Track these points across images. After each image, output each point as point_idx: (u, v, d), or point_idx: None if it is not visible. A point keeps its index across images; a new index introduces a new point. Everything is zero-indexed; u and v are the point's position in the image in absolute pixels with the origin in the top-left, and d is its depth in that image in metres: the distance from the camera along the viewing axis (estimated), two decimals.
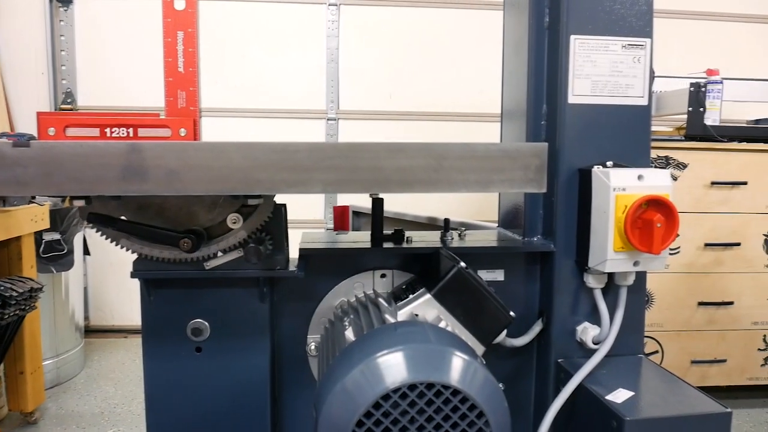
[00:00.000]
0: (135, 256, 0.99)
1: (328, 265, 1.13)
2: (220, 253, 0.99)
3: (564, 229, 1.10)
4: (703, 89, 2.24)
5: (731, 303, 2.24)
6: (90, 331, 3.17)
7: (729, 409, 0.90)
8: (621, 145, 1.09)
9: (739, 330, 2.27)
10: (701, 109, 2.24)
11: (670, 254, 2.18)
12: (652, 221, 0.96)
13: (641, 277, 1.10)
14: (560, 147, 1.08)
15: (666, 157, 2.14)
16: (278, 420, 1.15)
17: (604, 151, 1.08)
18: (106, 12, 3.08)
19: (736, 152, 2.17)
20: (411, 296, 0.98)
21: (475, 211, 3.28)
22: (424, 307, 0.96)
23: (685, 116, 2.27)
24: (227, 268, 1.01)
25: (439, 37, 3.22)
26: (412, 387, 0.74)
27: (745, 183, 2.17)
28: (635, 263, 1.01)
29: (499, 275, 1.16)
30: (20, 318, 1.88)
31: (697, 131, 2.23)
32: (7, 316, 1.75)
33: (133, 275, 1.00)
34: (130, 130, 0.88)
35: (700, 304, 2.23)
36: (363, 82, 3.22)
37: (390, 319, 0.93)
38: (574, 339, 1.12)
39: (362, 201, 2.10)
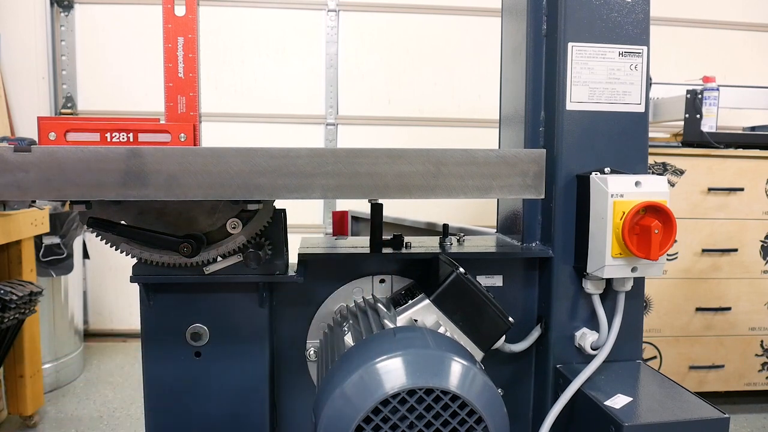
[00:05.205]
0: (134, 260, 0.99)
1: (327, 270, 1.13)
2: (219, 258, 1.00)
3: (562, 235, 1.11)
4: (699, 96, 2.26)
5: (729, 309, 2.25)
6: (89, 335, 3.17)
7: (727, 415, 0.91)
8: (618, 152, 1.09)
9: (737, 335, 2.27)
10: (698, 116, 2.25)
11: (668, 260, 2.19)
12: (649, 227, 0.96)
13: (639, 282, 1.11)
14: (558, 153, 1.09)
15: (663, 163, 2.15)
16: (277, 425, 1.15)
17: (601, 157, 1.09)
18: (106, 17, 3.10)
19: (733, 159, 2.18)
20: (410, 301, 0.99)
21: (473, 216, 3.28)
22: (423, 312, 0.97)
23: (682, 123, 2.29)
24: (227, 273, 1.01)
25: (438, 44, 3.23)
26: (411, 392, 0.75)
27: (741, 189, 2.18)
28: (633, 269, 1.02)
29: (497, 281, 1.17)
30: (20, 321, 1.88)
31: (694, 138, 2.24)
32: (6, 320, 1.75)
33: (132, 279, 1.01)
34: (131, 135, 0.88)
35: (698, 309, 2.24)
36: (362, 88, 3.23)
37: (389, 324, 0.94)
38: (573, 345, 1.12)
39: (361, 206, 2.10)
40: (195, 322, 1.05)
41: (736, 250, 2.21)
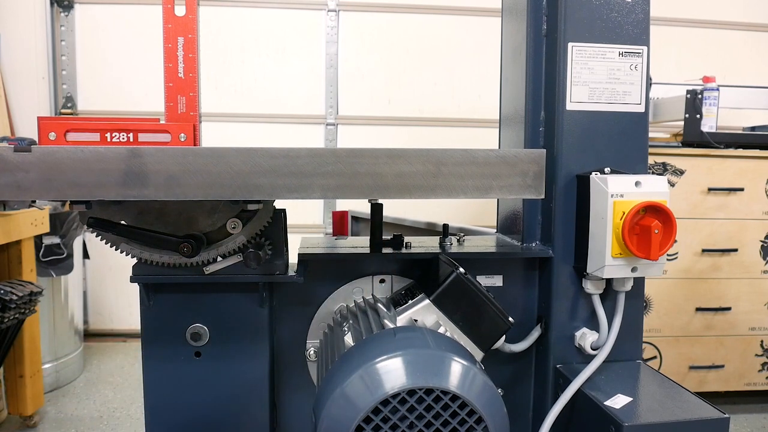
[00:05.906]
0: (134, 260, 0.99)
1: (327, 270, 1.13)
2: (219, 258, 1.00)
3: (562, 235, 1.11)
4: (699, 96, 2.26)
5: (729, 309, 2.25)
6: (89, 335, 3.17)
7: (727, 415, 0.91)
8: (619, 152, 1.10)
9: (737, 335, 2.27)
10: (698, 116, 2.25)
11: (668, 260, 2.19)
12: (649, 227, 0.96)
13: (639, 282, 1.11)
14: (558, 153, 1.09)
15: (663, 163, 2.15)
16: (277, 425, 1.15)
17: (601, 157, 1.09)
18: (106, 17, 3.10)
19: (733, 159, 2.18)
20: (410, 301, 0.99)
21: (473, 216, 3.28)
22: (423, 312, 0.97)
23: (682, 123, 2.29)
24: (227, 273, 1.01)
25: (438, 44, 3.23)
26: (411, 392, 0.75)
27: (741, 189, 2.18)
28: (633, 269, 1.02)
29: (497, 281, 1.17)
30: (20, 322, 1.88)
31: (694, 138, 2.24)
32: (6, 320, 1.75)
33: (132, 280, 1.01)
34: (131, 135, 0.88)
35: (698, 309, 2.24)
36: (362, 88, 3.23)
37: (389, 324, 0.94)
38: (573, 344, 1.12)
39: (361, 206, 2.10)
40: (195, 322, 1.05)
41: (736, 250, 2.21)
